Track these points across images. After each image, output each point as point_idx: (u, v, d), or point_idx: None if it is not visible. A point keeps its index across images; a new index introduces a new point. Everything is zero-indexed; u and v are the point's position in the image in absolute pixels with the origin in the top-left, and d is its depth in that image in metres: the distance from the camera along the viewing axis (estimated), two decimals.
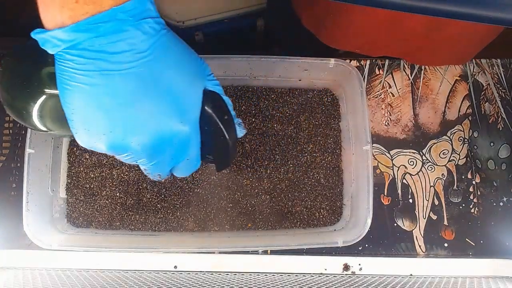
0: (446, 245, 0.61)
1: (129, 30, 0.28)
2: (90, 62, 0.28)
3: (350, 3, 0.36)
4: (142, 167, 0.34)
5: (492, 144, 0.64)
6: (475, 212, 0.62)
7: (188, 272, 0.57)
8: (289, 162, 0.60)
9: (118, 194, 0.58)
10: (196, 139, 0.35)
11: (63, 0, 0.26)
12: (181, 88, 0.32)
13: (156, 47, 0.30)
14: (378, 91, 0.65)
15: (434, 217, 0.62)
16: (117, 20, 0.28)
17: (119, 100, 0.29)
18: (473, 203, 0.62)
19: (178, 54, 0.32)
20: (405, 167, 0.63)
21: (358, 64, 0.65)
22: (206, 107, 0.34)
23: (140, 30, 0.29)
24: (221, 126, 0.36)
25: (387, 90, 0.65)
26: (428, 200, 0.62)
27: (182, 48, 0.33)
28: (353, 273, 0.59)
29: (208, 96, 0.35)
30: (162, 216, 0.58)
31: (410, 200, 0.62)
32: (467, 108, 0.65)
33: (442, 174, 0.63)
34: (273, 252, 0.59)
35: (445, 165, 0.63)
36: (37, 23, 0.29)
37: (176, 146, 0.33)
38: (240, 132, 0.40)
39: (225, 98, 0.37)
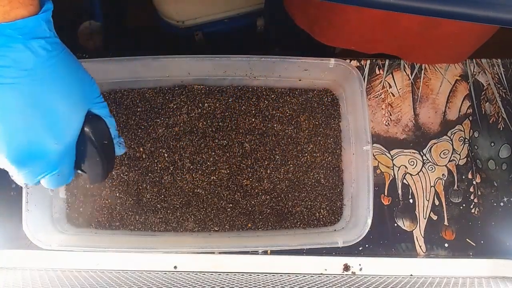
0: (446, 245, 0.61)
1: (16, 47, 0.28)
2: None
3: (347, 4, 0.36)
4: (10, 173, 0.35)
5: (492, 144, 0.64)
6: (476, 212, 0.62)
7: (188, 272, 0.57)
8: (289, 162, 0.60)
9: (117, 194, 0.58)
10: (70, 158, 0.36)
11: None
12: (62, 110, 0.32)
13: (44, 67, 0.30)
14: (378, 91, 0.65)
15: (435, 217, 0.62)
16: (4, 35, 0.28)
17: None
18: (473, 203, 0.62)
19: (66, 76, 0.32)
20: (406, 167, 0.63)
21: (358, 64, 0.65)
22: (86, 129, 0.36)
23: (29, 48, 0.29)
24: (98, 148, 0.37)
25: (387, 90, 0.65)
26: (428, 200, 0.62)
27: (72, 71, 0.33)
28: (353, 273, 0.59)
29: (90, 119, 0.36)
30: (162, 216, 0.58)
31: (411, 200, 0.62)
32: (467, 108, 0.65)
33: (443, 174, 0.63)
34: (273, 252, 0.59)
35: (445, 165, 0.63)
36: None
37: (47, 162, 0.34)
38: (120, 150, 0.41)
39: (109, 119, 0.38)
